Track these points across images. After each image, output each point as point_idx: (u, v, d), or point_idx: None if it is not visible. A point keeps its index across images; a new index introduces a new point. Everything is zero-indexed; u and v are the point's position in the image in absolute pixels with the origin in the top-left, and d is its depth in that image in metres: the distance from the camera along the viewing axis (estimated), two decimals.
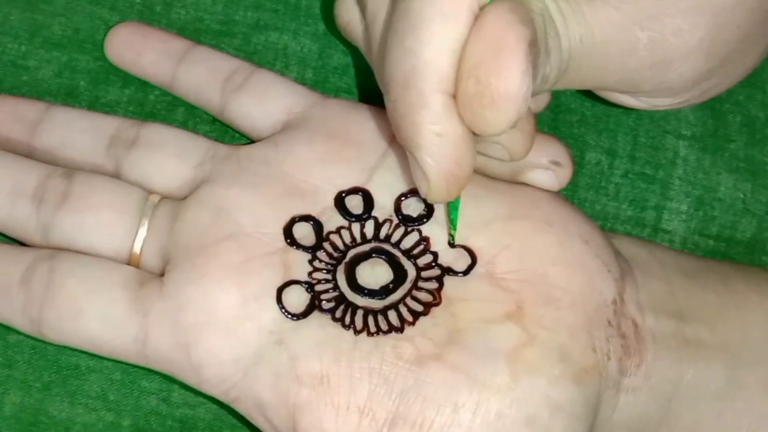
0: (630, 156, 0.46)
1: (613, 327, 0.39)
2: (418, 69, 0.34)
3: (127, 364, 0.42)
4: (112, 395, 0.42)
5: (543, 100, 0.41)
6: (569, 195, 0.45)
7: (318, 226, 0.39)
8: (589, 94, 0.46)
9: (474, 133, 0.35)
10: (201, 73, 0.44)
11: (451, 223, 0.39)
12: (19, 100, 0.44)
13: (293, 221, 0.39)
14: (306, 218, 0.39)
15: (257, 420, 0.39)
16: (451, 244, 0.39)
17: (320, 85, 0.45)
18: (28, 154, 0.42)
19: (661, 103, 0.40)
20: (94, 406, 0.42)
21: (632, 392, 0.39)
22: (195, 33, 0.45)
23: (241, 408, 0.39)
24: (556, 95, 0.46)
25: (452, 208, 0.38)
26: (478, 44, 0.33)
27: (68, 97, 0.45)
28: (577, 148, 0.46)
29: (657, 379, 0.40)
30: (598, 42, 0.36)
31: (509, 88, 0.33)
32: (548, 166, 0.41)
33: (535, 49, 0.34)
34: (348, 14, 0.40)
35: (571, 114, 0.46)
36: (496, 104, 0.33)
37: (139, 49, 0.44)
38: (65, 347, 0.42)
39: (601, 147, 0.46)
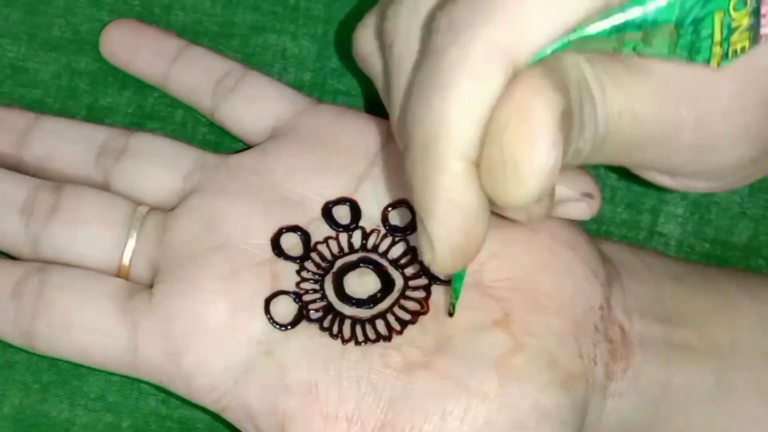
0: None
1: (600, 332, 0.39)
2: (442, 131, 0.31)
3: None
4: (112, 396, 0.43)
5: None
6: None
7: (306, 236, 0.40)
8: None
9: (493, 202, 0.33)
10: (193, 74, 0.44)
11: (454, 293, 0.38)
12: (8, 110, 0.44)
13: (281, 232, 0.39)
14: (293, 229, 0.40)
15: (247, 429, 0.39)
16: (451, 314, 0.38)
17: (318, 87, 0.45)
18: (16, 165, 0.43)
19: (701, 186, 0.38)
20: (94, 407, 0.43)
21: (619, 397, 0.39)
22: (194, 35, 0.45)
23: (231, 417, 0.39)
24: None
25: (457, 277, 0.37)
26: (505, 108, 0.30)
27: (67, 98, 0.45)
28: None
29: (645, 383, 0.40)
30: (638, 117, 0.33)
31: (535, 159, 0.30)
32: (581, 198, 0.40)
33: (569, 120, 0.31)
34: (369, 46, 0.38)
35: None
36: (519, 175, 0.30)
37: (132, 48, 0.44)
38: None
39: None
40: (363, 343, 0.38)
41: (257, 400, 0.38)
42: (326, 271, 0.39)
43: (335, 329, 0.38)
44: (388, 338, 0.38)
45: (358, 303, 0.39)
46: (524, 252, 0.39)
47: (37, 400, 0.43)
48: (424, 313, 0.38)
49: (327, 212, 0.40)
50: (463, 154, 0.31)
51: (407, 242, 0.40)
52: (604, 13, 0.30)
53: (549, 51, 0.31)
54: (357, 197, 0.40)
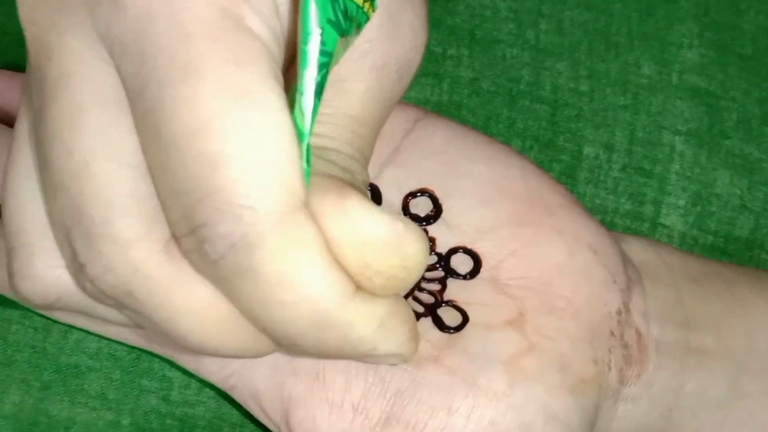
0: (627, 150, 0.46)
1: (616, 337, 0.39)
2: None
3: (126, 363, 0.42)
4: (112, 394, 0.42)
5: None
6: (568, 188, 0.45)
7: None
8: (587, 89, 0.46)
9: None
10: None
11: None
12: None
13: None
14: None
15: (253, 409, 0.38)
16: None
17: None
18: None
19: None
20: (94, 405, 0.42)
21: (632, 401, 0.39)
22: None
23: (238, 397, 0.39)
24: (554, 90, 0.47)
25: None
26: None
27: None
28: (576, 143, 0.46)
29: (658, 388, 0.39)
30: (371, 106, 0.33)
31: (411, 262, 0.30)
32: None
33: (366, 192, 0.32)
34: None
35: (569, 109, 0.46)
36: (409, 275, 0.30)
37: None
38: (65, 347, 0.42)
39: (599, 141, 0.46)
40: None
41: (264, 382, 0.38)
42: None
43: None
44: None
45: None
46: (544, 252, 0.39)
47: (37, 398, 0.42)
48: (438, 307, 0.38)
49: None
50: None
51: (426, 232, 0.39)
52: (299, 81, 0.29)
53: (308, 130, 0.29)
54: (378, 183, 0.40)
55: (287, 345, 0.30)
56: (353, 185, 0.31)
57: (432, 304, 0.38)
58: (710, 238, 0.46)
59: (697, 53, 0.48)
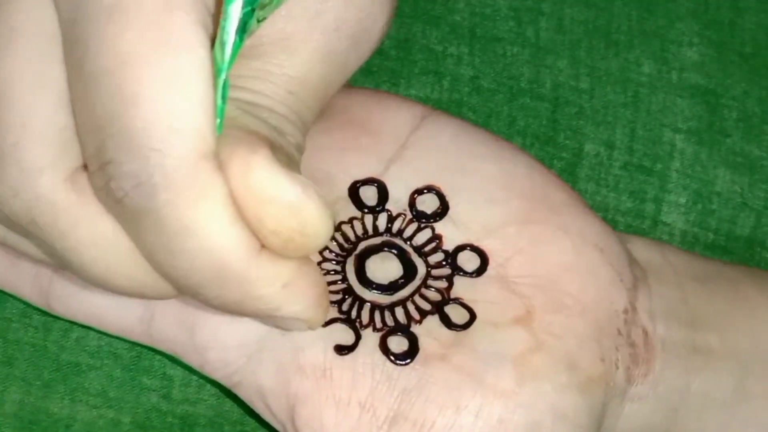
0: (628, 148, 0.46)
1: (623, 336, 0.39)
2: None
3: (127, 360, 0.42)
4: (113, 392, 0.42)
5: None
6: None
7: None
8: (587, 87, 0.47)
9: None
10: None
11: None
12: None
13: None
14: None
15: (258, 406, 0.38)
16: None
17: None
18: None
19: None
20: (95, 403, 0.42)
21: (638, 401, 0.39)
22: None
23: (242, 394, 0.38)
24: (554, 87, 0.47)
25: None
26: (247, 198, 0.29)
27: None
28: (576, 140, 0.46)
29: (664, 388, 0.39)
30: (318, 75, 0.34)
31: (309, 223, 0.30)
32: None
33: (285, 156, 0.31)
34: None
35: (570, 106, 0.46)
36: (308, 239, 0.30)
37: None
38: (65, 345, 0.42)
39: (600, 139, 0.46)
40: (381, 331, 0.37)
41: (269, 379, 0.37)
42: (349, 252, 0.39)
43: (353, 313, 0.38)
44: (406, 327, 0.37)
45: (379, 288, 0.38)
46: (551, 251, 0.39)
47: (38, 396, 0.42)
48: (446, 304, 0.38)
49: (354, 192, 0.39)
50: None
51: (433, 230, 0.39)
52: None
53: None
54: (385, 179, 0.40)
55: (189, 293, 0.31)
56: (275, 144, 0.31)
57: (439, 302, 0.38)
58: (711, 236, 0.46)
59: (697, 51, 0.48)
